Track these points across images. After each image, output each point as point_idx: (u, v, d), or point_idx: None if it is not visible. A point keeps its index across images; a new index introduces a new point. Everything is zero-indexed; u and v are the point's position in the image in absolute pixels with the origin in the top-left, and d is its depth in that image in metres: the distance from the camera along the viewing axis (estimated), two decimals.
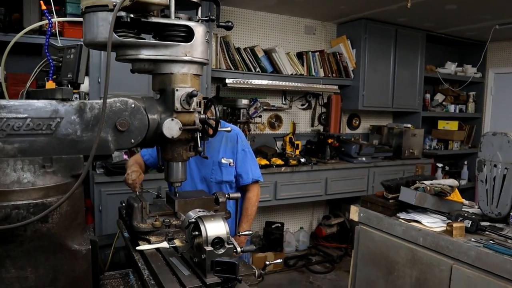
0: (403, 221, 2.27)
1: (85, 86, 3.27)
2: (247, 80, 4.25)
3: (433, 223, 2.18)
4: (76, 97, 1.22)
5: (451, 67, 5.79)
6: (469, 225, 2.04)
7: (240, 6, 4.48)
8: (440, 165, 5.52)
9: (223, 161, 2.30)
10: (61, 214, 1.09)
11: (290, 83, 4.52)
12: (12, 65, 3.02)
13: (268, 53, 4.48)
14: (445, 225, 2.10)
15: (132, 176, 2.01)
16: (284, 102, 4.87)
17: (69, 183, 1.13)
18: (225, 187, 2.33)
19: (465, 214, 2.13)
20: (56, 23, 2.12)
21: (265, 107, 4.63)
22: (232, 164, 2.32)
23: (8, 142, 1.07)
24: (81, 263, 1.15)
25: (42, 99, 1.14)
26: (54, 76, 1.29)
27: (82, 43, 1.28)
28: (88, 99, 1.21)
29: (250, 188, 2.39)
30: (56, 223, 1.08)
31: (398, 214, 2.35)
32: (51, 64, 1.28)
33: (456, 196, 2.34)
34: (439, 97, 5.96)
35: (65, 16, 3.18)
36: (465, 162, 5.97)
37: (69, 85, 1.19)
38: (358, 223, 2.56)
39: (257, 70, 4.33)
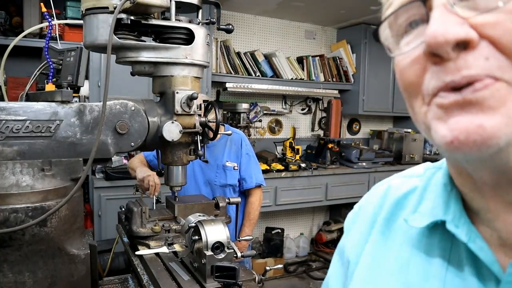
0: None
1: (85, 90, 3.27)
2: (247, 84, 4.24)
3: None
4: (76, 100, 1.21)
5: None
6: None
7: (240, 11, 4.49)
8: None
9: (228, 164, 2.30)
10: (60, 218, 1.08)
11: (290, 87, 4.52)
12: (12, 69, 3.03)
13: (268, 58, 4.49)
14: None
15: (155, 179, 1.93)
16: (284, 106, 4.87)
17: (68, 187, 1.12)
18: (229, 190, 2.32)
19: None
20: (57, 26, 2.12)
21: (265, 112, 4.63)
22: (236, 168, 2.31)
23: (7, 144, 1.06)
24: (80, 268, 1.14)
25: (41, 101, 1.13)
26: (54, 79, 1.28)
27: (82, 46, 1.28)
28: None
29: (252, 192, 2.38)
30: (54, 227, 1.07)
31: None
32: (51, 66, 1.27)
33: None
34: None
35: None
36: None
37: (68, 88, 1.19)
38: None
39: (257, 75, 4.33)
